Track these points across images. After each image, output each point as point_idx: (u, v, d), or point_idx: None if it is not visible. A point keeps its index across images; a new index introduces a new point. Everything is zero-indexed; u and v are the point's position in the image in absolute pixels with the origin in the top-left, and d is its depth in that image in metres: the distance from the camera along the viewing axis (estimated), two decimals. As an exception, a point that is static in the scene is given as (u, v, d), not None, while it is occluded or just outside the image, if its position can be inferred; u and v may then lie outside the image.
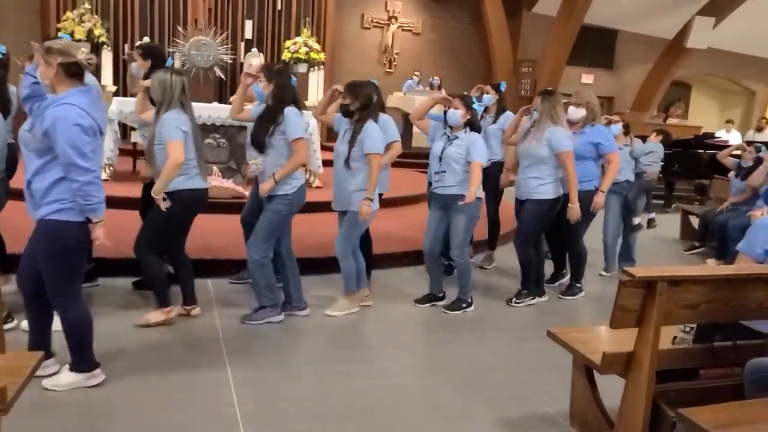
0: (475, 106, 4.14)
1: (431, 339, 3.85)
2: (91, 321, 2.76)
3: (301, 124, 3.70)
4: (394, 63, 13.04)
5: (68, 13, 9.12)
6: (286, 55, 10.28)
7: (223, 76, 9.73)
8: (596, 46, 14.32)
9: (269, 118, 3.63)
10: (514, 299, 4.41)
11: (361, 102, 3.79)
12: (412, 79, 11.82)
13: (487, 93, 5.13)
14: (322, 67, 10.40)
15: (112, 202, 3.35)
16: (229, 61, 10.00)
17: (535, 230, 4.38)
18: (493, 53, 13.08)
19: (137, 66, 4.16)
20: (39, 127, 2.53)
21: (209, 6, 10.18)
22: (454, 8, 13.08)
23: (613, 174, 4.60)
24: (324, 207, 4.56)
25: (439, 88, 11.67)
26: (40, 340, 2.76)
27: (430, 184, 4.30)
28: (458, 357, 3.46)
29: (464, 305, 4.19)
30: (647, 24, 14.00)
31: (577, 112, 4.55)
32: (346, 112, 3.86)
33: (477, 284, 4.61)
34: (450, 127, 4.08)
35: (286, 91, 3.68)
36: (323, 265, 4.55)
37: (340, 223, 3.96)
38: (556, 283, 4.89)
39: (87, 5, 9.15)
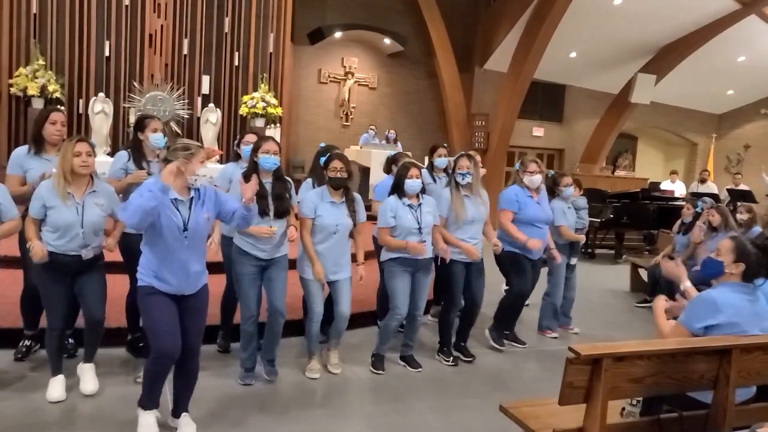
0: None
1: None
2: None
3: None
4: (351, 116, 13.25)
5: (21, 69, 8.99)
6: (243, 110, 10.33)
7: (179, 131, 9.70)
8: (546, 101, 14.91)
9: (285, 187, 3.82)
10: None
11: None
12: (368, 132, 12.00)
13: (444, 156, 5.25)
14: (278, 121, 10.49)
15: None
16: (186, 116, 10.01)
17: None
18: (447, 107, 13.46)
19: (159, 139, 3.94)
20: (208, 210, 2.99)
21: (165, 61, 10.20)
22: (409, 64, 13.47)
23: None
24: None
25: (395, 141, 11.90)
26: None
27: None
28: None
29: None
30: (594, 80, 14.69)
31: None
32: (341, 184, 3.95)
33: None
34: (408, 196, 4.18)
35: None
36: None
37: (335, 288, 4.03)
38: None
39: (41, 61, 9.06)
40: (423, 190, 4.24)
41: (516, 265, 4.79)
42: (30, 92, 8.88)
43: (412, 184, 4.11)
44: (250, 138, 4.16)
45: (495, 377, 4.37)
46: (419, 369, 4.36)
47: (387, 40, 12.81)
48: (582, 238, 5.59)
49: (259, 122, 10.39)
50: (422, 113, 13.74)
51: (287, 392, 3.83)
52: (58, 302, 3.42)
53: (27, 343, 3.98)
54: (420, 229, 4.11)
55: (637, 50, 13.55)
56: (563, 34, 11.77)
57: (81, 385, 3.52)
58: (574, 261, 5.54)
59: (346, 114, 13.21)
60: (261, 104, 10.31)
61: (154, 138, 3.86)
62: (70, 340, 3.93)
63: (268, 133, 9.24)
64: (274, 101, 10.47)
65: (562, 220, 5.25)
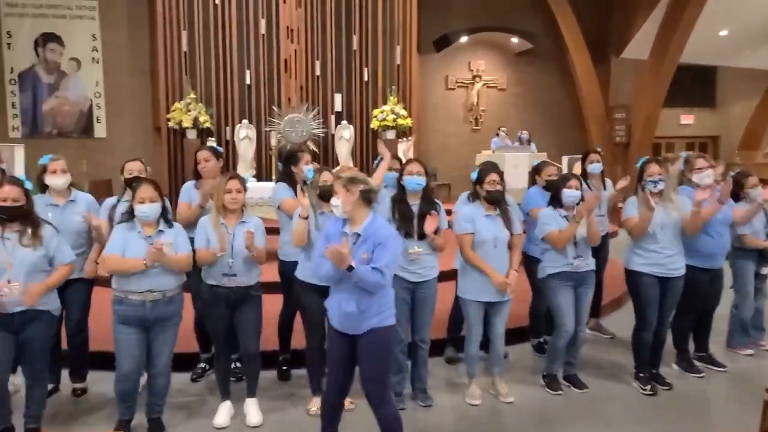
0: None
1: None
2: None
3: None
4: (481, 120, 13.04)
5: (176, 104, 9.84)
6: (374, 124, 10.53)
7: (316, 150, 10.10)
8: (694, 85, 13.66)
9: (432, 209, 3.75)
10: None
11: None
12: (498, 135, 11.72)
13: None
14: (409, 132, 10.57)
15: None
16: (321, 135, 10.40)
17: None
18: (583, 102, 12.79)
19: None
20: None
21: (300, 84, 10.67)
22: (539, 61, 12.99)
23: None
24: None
25: (529, 142, 11.51)
26: None
27: None
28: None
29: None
30: (750, 58, 13.22)
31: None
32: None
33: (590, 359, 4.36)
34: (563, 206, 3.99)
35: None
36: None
37: (495, 307, 3.91)
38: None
39: (192, 95, 9.85)
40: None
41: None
42: (184, 124, 9.69)
43: (570, 194, 3.93)
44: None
45: (688, 403, 4.00)
46: (585, 389, 4.13)
47: (515, 39, 12.46)
48: None
49: (390, 134, 10.54)
50: (555, 111, 13.19)
51: (450, 420, 3.73)
52: (221, 332, 3.63)
53: (202, 365, 4.30)
54: (575, 242, 3.94)
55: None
56: (711, 11, 10.72)
57: (247, 418, 3.68)
58: (765, 271, 4.82)
59: (476, 118, 13.02)
60: (391, 116, 10.45)
61: (307, 170, 4.03)
62: (238, 364, 4.16)
63: (400, 146, 9.31)
64: (403, 112, 10.56)
65: (746, 227, 4.58)
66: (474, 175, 3.90)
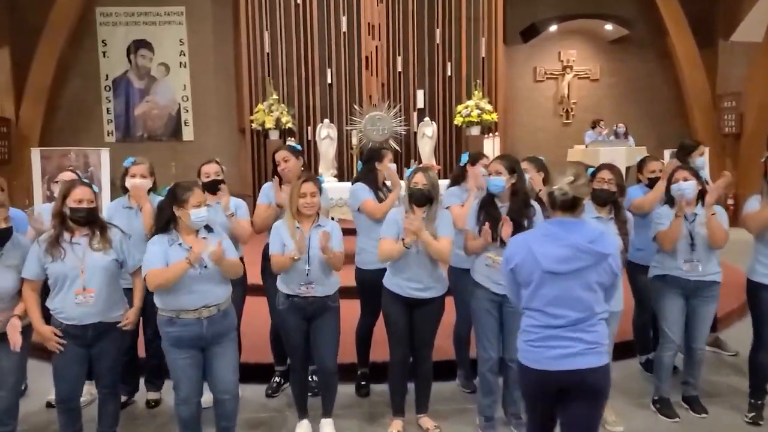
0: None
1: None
2: None
3: None
4: (572, 113, 12.30)
5: (259, 105, 9.87)
6: (457, 120, 10.16)
7: (398, 148, 9.84)
8: (816, 68, 12.23)
9: (522, 211, 3.37)
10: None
11: None
12: (593, 129, 10.98)
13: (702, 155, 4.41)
14: (494, 128, 10.09)
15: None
16: (403, 132, 10.12)
17: None
18: (686, 90, 11.77)
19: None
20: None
21: (381, 81, 10.46)
22: (636, 48, 12.07)
23: None
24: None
25: (626, 135, 10.72)
26: None
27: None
28: None
29: None
30: None
31: None
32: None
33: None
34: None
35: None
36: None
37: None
38: None
39: (275, 96, 9.85)
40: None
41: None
42: (267, 125, 9.70)
43: (681, 187, 3.49)
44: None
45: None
46: (704, 415, 3.62)
47: (609, 26, 11.64)
48: None
49: (475, 131, 10.12)
50: (654, 101, 12.21)
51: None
52: (298, 345, 3.40)
53: (277, 379, 4.11)
54: (693, 244, 3.46)
55: None
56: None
57: None
58: None
59: (567, 111, 12.29)
60: (476, 112, 10.03)
61: (393, 166, 3.86)
62: (314, 377, 3.94)
63: (487, 142, 8.88)
64: (488, 107, 10.13)
65: None
66: (592, 171, 3.51)
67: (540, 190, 3.66)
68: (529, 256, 2.40)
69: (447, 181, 4.16)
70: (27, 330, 3.13)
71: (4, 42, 10.19)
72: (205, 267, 2.99)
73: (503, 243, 3.24)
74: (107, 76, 11.06)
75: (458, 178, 4.08)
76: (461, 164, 4.07)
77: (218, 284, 3.07)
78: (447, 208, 3.62)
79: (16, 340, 2.98)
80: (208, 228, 3.13)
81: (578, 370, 2.32)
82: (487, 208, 3.37)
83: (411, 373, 3.53)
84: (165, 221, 3.05)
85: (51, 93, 10.56)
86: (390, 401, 3.57)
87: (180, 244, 3.02)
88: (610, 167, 3.53)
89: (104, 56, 11.00)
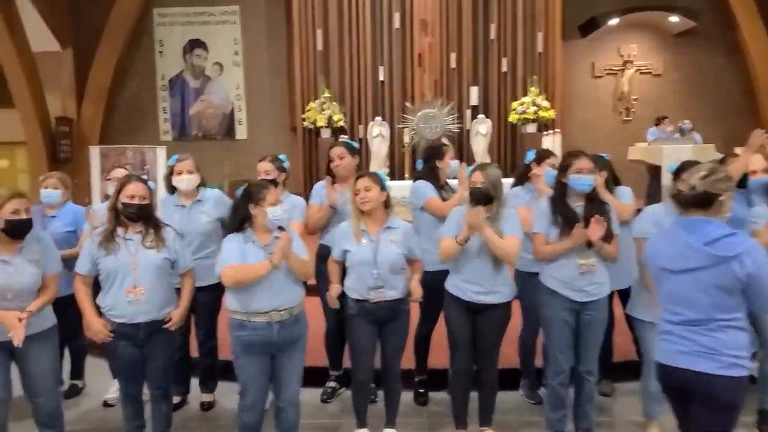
0: None
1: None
2: None
3: None
4: (632, 110, 11.80)
5: (311, 104, 9.83)
6: (512, 117, 9.87)
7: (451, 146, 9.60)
8: None
9: (602, 210, 3.15)
10: None
11: None
12: (656, 126, 10.49)
13: None
14: (551, 125, 9.76)
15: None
16: (456, 130, 9.89)
17: None
18: (758, 85, 11.13)
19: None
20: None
21: (434, 78, 10.24)
22: (702, 41, 11.48)
23: None
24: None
25: (691, 132, 10.21)
26: None
27: None
28: None
29: None
30: None
31: None
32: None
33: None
34: None
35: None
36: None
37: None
38: None
39: (327, 94, 9.78)
40: None
41: None
42: (318, 124, 9.64)
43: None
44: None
45: None
46: None
47: (674, 18, 11.10)
48: None
49: (531, 128, 9.82)
50: (722, 96, 11.58)
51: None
52: (365, 352, 3.24)
53: (332, 384, 3.98)
54: None
55: None
56: None
57: None
58: None
59: (627, 108, 11.79)
60: (532, 109, 9.73)
61: (453, 164, 3.69)
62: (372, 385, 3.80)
63: (546, 140, 8.56)
64: (545, 104, 9.80)
65: None
66: (673, 166, 3.18)
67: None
68: (652, 251, 2.43)
69: (510, 180, 3.94)
70: (52, 330, 3.06)
71: (68, 44, 10.50)
72: (277, 267, 2.90)
73: (590, 245, 3.04)
74: (163, 75, 11.25)
75: (522, 177, 3.87)
76: (526, 163, 3.85)
77: (290, 286, 2.96)
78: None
79: (19, 337, 2.75)
80: (281, 229, 3.02)
81: (692, 371, 2.25)
82: (562, 209, 3.15)
83: (473, 382, 3.34)
84: (240, 221, 2.98)
85: (110, 93, 10.83)
86: (451, 412, 3.38)
87: (254, 242, 2.94)
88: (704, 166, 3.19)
89: (161, 56, 11.20)
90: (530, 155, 3.84)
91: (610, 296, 3.28)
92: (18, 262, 2.87)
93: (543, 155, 3.78)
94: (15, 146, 11.37)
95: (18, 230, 2.86)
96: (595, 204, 3.15)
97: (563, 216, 3.12)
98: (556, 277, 3.14)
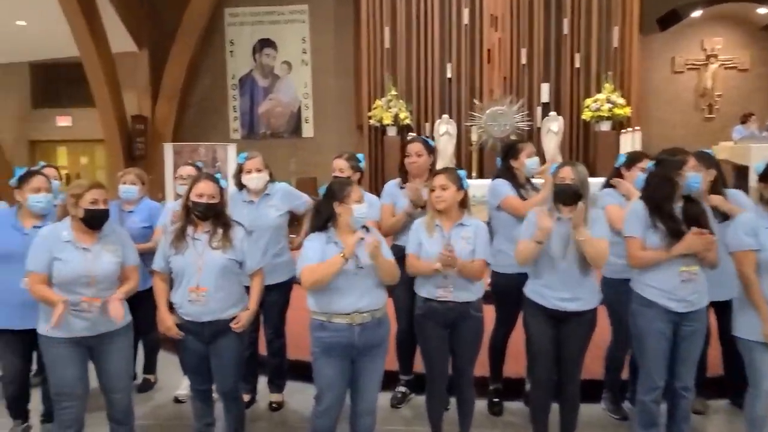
0: None
1: None
2: None
3: None
4: (716, 107, 11.13)
5: (377, 101, 9.76)
6: (586, 115, 9.49)
7: (520, 145, 9.33)
8: None
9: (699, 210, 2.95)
10: None
11: None
12: (742, 124, 9.85)
13: None
14: (627, 123, 9.31)
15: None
16: (526, 128, 9.59)
17: None
18: None
19: None
20: None
21: (503, 75, 9.98)
22: (795, 33, 10.71)
23: None
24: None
25: (780, 131, 9.53)
26: None
27: None
28: None
29: None
30: None
31: None
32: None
33: None
34: None
35: None
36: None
37: None
38: None
39: (394, 91, 9.69)
40: None
41: None
42: (385, 122, 9.56)
43: None
44: None
45: None
46: None
47: (762, 10, 10.39)
48: None
49: (605, 126, 9.41)
50: (817, 93, 10.79)
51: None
52: (435, 355, 3.11)
53: (402, 389, 3.86)
54: None
55: None
56: None
57: None
58: None
59: (710, 105, 11.14)
60: (606, 106, 9.32)
61: (531, 162, 3.49)
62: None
63: (624, 138, 8.15)
64: (621, 101, 9.37)
65: None
66: (760, 167, 2.90)
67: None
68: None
69: (599, 180, 3.70)
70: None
71: (144, 44, 10.85)
72: (361, 267, 2.82)
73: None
74: (234, 75, 11.46)
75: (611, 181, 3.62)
76: (616, 167, 3.60)
77: (373, 288, 2.87)
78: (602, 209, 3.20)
79: (117, 312, 2.86)
80: (366, 229, 2.93)
81: None
82: (669, 211, 2.90)
83: (554, 393, 3.15)
84: (324, 220, 2.91)
85: (183, 92, 11.13)
86: (530, 424, 3.20)
87: (336, 243, 2.86)
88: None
89: (231, 55, 11.41)
90: (621, 158, 3.59)
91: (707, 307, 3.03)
92: (97, 250, 2.90)
93: (635, 158, 3.52)
94: (95, 144, 11.89)
95: (96, 219, 2.89)
96: (694, 205, 2.89)
97: (670, 219, 2.88)
98: (654, 286, 2.91)
